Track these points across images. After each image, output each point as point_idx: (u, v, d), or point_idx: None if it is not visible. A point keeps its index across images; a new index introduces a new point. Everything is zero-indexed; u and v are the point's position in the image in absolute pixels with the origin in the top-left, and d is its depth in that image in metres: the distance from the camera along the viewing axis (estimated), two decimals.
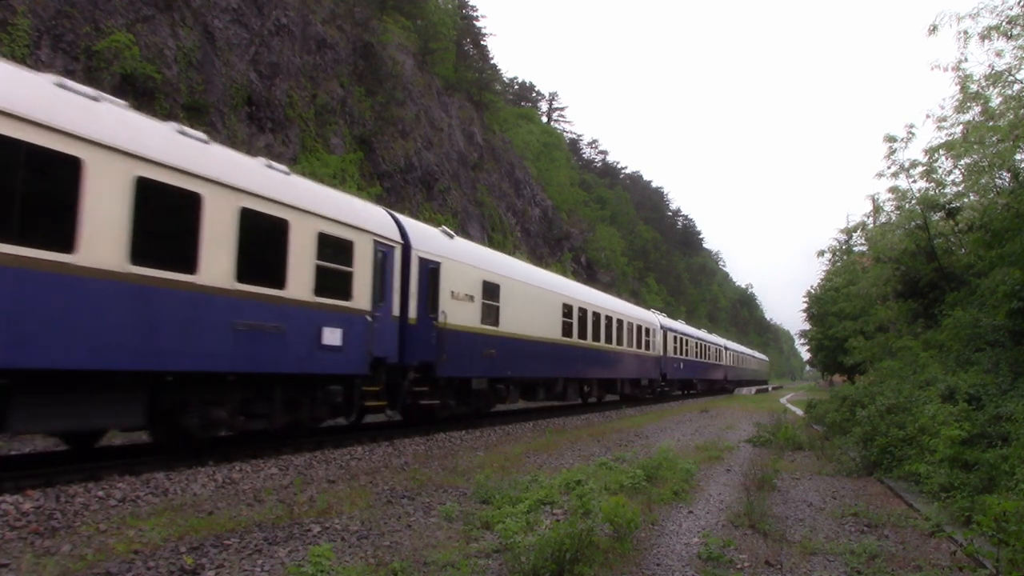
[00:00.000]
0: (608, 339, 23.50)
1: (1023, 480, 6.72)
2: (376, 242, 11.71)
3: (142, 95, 17.71)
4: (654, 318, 31.29)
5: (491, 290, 15.58)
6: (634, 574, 5.06)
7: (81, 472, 7.63)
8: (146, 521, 5.95)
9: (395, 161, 31.05)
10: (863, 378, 23.66)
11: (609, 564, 5.15)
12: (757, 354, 78.04)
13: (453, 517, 6.44)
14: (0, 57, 8.35)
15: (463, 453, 11.21)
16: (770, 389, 67.37)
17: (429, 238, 13.74)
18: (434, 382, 13.43)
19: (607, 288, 41.48)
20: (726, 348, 50.38)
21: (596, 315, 22.47)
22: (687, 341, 36.40)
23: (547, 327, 18.66)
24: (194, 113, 19.58)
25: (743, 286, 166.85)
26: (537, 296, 18.19)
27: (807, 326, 53.33)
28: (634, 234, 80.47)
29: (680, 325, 37.80)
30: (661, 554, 5.58)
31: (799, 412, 24.58)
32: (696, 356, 38.63)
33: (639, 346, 27.30)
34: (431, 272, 13.25)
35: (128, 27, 18.38)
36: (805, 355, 79.27)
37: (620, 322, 25.01)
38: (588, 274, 52.44)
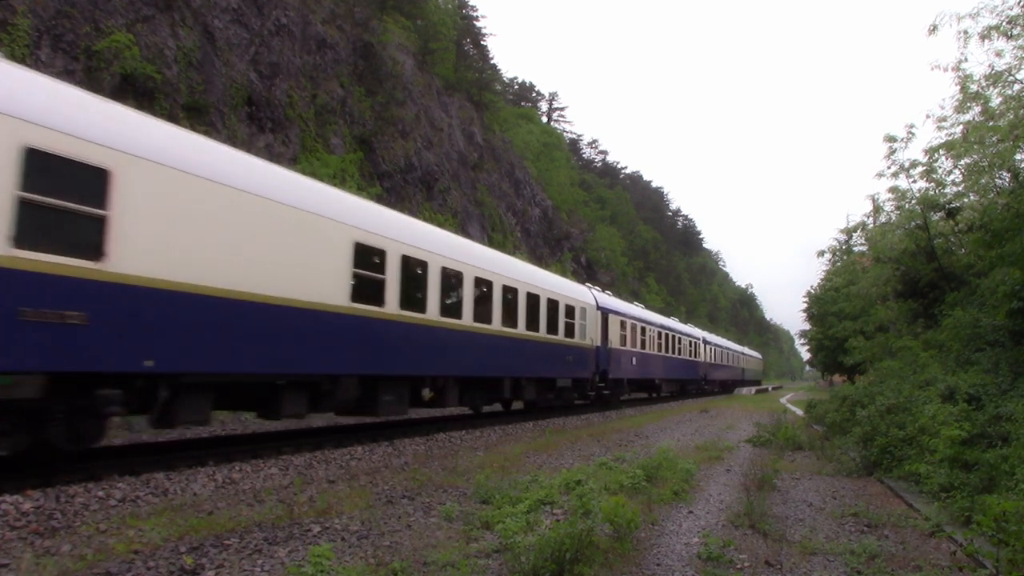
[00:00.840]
0: (483, 316, 15.04)
1: (1023, 480, 6.73)
2: None
3: (142, 95, 17.71)
4: (587, 294, 22.81)
5: (70, 176, 6.85)
6: (634, 574, 5.07)
7: (81, 472, 7.62)
8: (146, 521, 5.95)
9: (395, 161, 31.05)
10: (863, 378, 23.70)
11: (609, 564, 5.15)
12: (748, 351, 70.66)
13: (453, 517, 6.44)
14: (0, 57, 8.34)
15: (463, 453, 11.22)
16: (769, 389, 67.41)
17: None
18: None
19: (605, 288, 41.08)
20: (705, 341, 42.14)
21: (452, 274, 13.78)
22: (644, 329, 28.15)
23: (310, 281, 9.89)
24: (194, 113, 19.59)
25: (743, 286, 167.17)
26: (278, 217, 9.41)
27: (807, 326, 53.53)
28: (634, 234, 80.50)
29: (632, 308, 29.05)
30: (661, 554, 5.58)
31: (799, 412, 24.59)
32: (658, 349, 30.40)
33: (554, 331, 18.98)
34: None
35: (128, 27, 18.38)
36: (805, 355, 79.20)
37: (512, 291, 16.52)
38: (588, 274, 52.46)
